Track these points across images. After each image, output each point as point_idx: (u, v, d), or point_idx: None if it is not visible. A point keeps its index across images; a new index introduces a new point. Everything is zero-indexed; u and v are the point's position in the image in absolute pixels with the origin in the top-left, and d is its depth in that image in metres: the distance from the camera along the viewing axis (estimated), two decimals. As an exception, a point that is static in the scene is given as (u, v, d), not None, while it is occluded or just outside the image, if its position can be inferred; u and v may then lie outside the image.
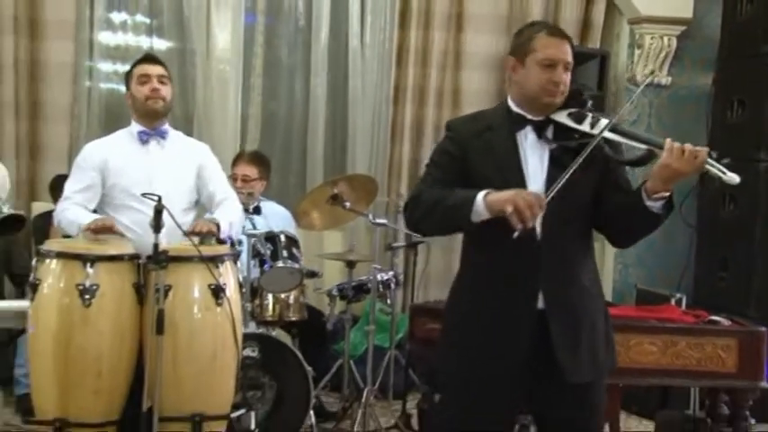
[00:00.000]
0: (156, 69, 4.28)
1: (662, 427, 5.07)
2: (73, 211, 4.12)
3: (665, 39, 6.97)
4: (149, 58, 4.46)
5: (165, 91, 4.26)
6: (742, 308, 5.48)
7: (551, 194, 2.84)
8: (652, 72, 6.73)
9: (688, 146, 2.81)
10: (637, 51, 7.04)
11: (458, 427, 3.13)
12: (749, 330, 4.28)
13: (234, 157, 5.79)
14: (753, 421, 4.34)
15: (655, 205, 2.91)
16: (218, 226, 4.00)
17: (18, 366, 5.42)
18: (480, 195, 2.86)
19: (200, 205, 4.42)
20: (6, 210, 2.50)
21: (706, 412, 4.87)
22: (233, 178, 5.44)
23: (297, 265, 5.09)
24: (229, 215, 4.20)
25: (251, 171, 5.59)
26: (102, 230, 3.95)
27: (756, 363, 4.20)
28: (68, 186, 4.23)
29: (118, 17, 6.82)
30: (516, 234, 2.75)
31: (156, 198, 3.62)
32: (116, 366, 3.64)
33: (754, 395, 4.27)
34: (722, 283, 6.32)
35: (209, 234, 3.92)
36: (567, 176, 2.86)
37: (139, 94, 4.23)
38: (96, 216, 4.07)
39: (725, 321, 4.36)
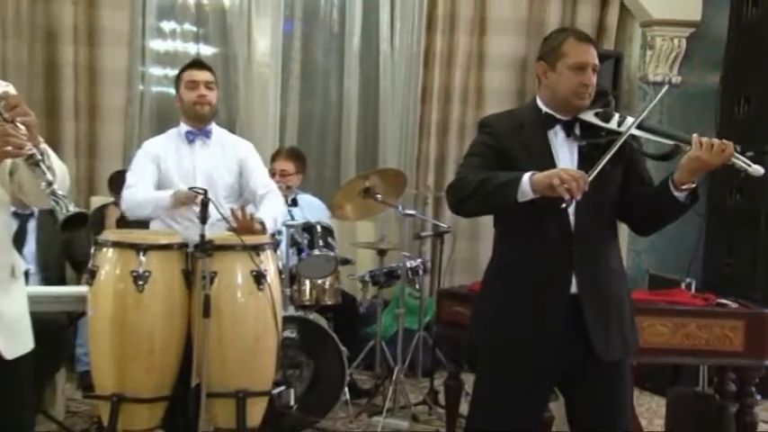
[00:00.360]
0: (203, 75, 4.28)
1: (673, 402, 5.04)
2: (142, 189, 4.16)
3: (675, 40, 6.98)
4: (198, 63, 4.44)
5: (212, 96, 4.27)
6: (748, 291, 5.45)
7: (592, 175, 2.80)
8: (669, 81, 6.75)
9: (716, 140, 2.82)
10: (648, 52, 7.05)
11: (497, 407, 3.12)
12: (755, 312, 4.24)
13: (273, 154, 5.82)
14: (759, 397, 4.31)
15: (682, 195, 2.92)
16: (263, 224, 4.02)
17: (79, 346, 5.46)
18: (526, 175, 2.82)
19: (243, 198, 4.43)
20: (72, 208, 2.52)
21: (714, 389, 4.84)
22: (272, 173, 5.43)
23: (332, 253, 5.12)
24: (273, 211, 4.19)
25: (288, 166, 5.63)
26: (188, 202, 4.01)
27: (762, 342, 4.16)
28: (130, 177, 4.26)
29: (167, 26, 6.90)
30: (564, 205, 2.74)
31: (202, 192, 3.66)
32: (167, 346, 3.66)
33: (759, 373, 4.24)
34: (729, 268, 6.34)
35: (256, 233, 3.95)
36: (605, 161, 2.85)
37: (187, 98, 4.24)
38: (164, 193, 4.10)
39: (732, 304, 4.31)
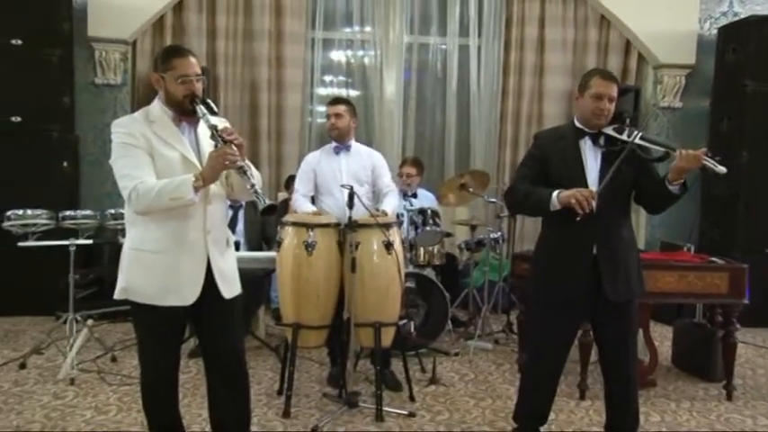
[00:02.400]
0: (334, 110, 4.21)
1: (677, 330, 4.94)
2: (300, 201, 4.17)
3: (677, 77, 6.83)
4: (332, 101, 4.32)
5: (340, 122, 4.18)
6: (730, 252, 5.35)
7: (600, 190, 2.89)
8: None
9: (691, 152, 2.83)
10: (659, 86, 6.88)
11: (544, 332, 3.13)
12: (736, 267, 4.13)
13: (401, 162, 5.83)
14: (738, 326, 4.21)
15: (674, 189, 2.92)
16: (386, 212, 3.98)
17: (272, 291, 5.62)
18: (554, 194, 2.92)
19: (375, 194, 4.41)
20: (267, 201, 2.61)
21: (707, 320, 4.75)
22: (399, 175, 5.49)
23: (438, 229, 5.09)
24: (391, 204, 4.14)
25: (411, 170, 5.62)
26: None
27: (740, 287, 4.08)
28: (297, 184, 4.27)
29: (327, 78, 6.99)
30: (578, 218, 2.84)
31: (349, 187, 3.69)
32: (327, 291, 3.72)
33: (738, 309, 4.16)
34: (718, 237, 6.30)
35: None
36: (610, 176, 2.91)
37: (327, 125, 4.27)
38: (310, 208, 4.11)
39: (720, 261, 4.21)
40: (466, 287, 5.78)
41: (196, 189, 2.55)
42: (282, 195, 6.18)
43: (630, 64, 6.93)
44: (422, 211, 5.13)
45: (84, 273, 5.58)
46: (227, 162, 2.56)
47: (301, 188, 4.24)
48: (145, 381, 2.78)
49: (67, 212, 4.60)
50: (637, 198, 3.12)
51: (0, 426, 3.50)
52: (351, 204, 3.65)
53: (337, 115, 4.21)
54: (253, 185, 2.58)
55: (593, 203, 2.84)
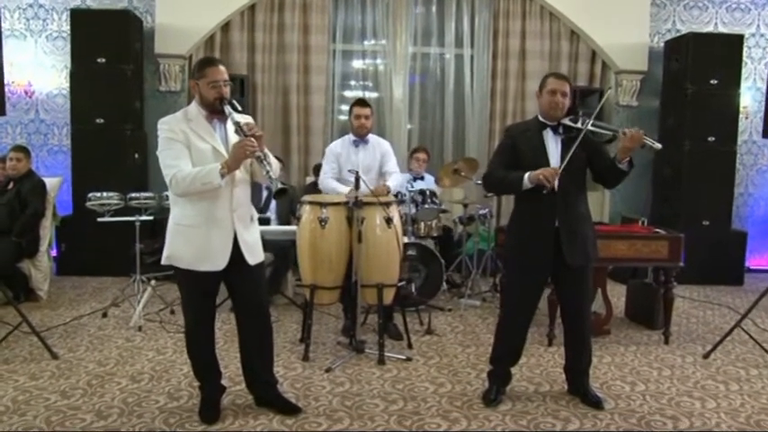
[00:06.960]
0: (364, 111, 4.18)
1: (630, 288, 4.89)
2: (331, 181, 4.16)
3: (634, 81, 6.70)
4: (361, 102, 4.25)
5: (368, 123, 4.18)
6: (674, 225, 5.28)
7: (561, 168, 2.84)
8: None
9: (632, 132, 2.81)
10: (619, 88, 6.74)
11: (515, 290, 3.11)
12: (674, 236, 4.08)
13: (415, 149, 5.78)
14: (675, 284, 4.20)
15: (623, 166, 2.88)
16: (389, 189, 4.00)
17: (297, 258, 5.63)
18: (525, 176, 2.88)
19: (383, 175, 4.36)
20: (279, 185, 2.60)
21: (653, 279, 4.70)
22: (416, 159, 5.54)
23: (436, 206, 5.07)
24: (394, 183, 4.13)
25: (424, 156, 5.62)
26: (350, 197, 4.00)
27: (677, 253, 4.05)
28: (324, 166, 4.26)
29: (347, 82, 6.90)
30: (545, 191, 2.82)
31: (355, 172, 3.67)
32: (339, 258, 3.69)
33: (676, 270, 4.15)
34: (664, 212, 6.25)
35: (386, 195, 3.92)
36: (569, 157, 2.86)
37: (354, 124, 4.19)
38: (342, 188, 4.07)
39: (662, 232, 4.17)
40: (460, 255, 5.72)
41: (222, 175, 2.54)
42: (310, 179, 6.18)
43: (596, 70, 6.78)
44: (422, 192, 5.09)
45: (150, 243, 5.63)
46: (247, 152, 2.54)
47: (329, 171, 4.22)
48: (187, 329, 2.81)
49: (133, 194, 4.65)
50: (595, 177, 3.06)
51: (87, 359, 3.62)
52: (357, 185, 3.62)
53: (366, 117, 4.18)
54: (268, 172, 2.56)
55: (556, 180, 2.81)
